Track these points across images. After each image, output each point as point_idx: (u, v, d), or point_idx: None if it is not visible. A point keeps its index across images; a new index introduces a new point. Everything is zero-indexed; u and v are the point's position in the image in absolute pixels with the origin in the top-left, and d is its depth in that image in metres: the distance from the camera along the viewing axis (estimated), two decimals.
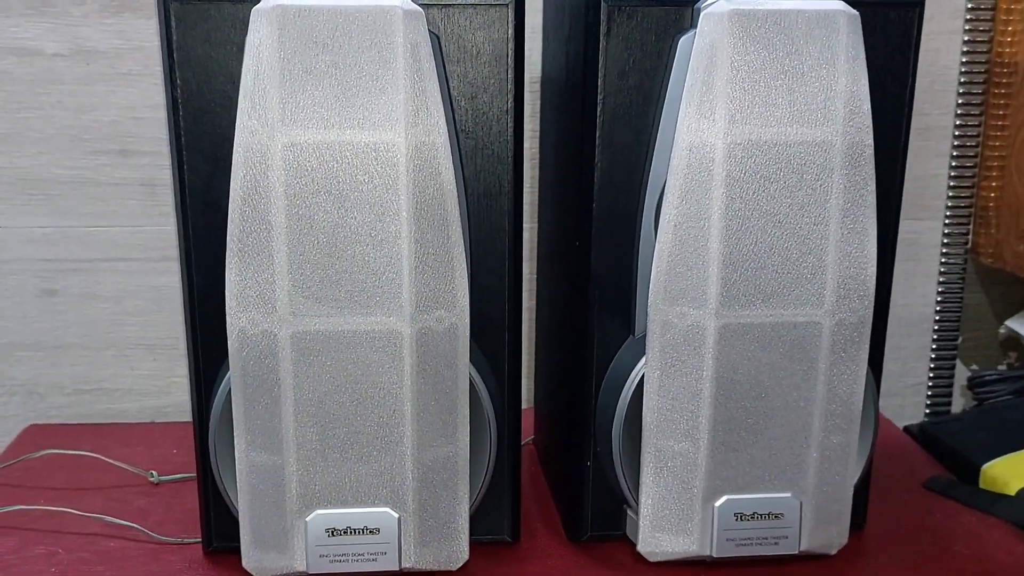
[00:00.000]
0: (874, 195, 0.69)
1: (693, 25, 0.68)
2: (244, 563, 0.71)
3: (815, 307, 0.70)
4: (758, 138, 0.67)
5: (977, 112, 1.07)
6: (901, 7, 0.71)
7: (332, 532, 0.70)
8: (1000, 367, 1.16)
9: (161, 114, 1.00)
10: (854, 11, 0.67)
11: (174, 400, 1.08)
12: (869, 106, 0.68)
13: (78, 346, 1.06)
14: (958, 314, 1.13)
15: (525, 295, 1.03)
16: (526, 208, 1.02)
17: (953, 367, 1.15)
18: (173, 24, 0.67)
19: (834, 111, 0.67)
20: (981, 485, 0.89)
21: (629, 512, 0.78)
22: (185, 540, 0.80)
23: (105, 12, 0.98)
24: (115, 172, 1.02)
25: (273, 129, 0.64)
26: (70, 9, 0.98)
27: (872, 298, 0.71)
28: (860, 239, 0.69)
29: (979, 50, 1.05)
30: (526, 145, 1.00)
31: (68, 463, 0.92)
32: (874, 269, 0.70)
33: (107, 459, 0.91)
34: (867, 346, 0.72)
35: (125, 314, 1.06)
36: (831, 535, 0.75)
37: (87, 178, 1.02)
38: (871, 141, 0.68)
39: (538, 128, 0.98)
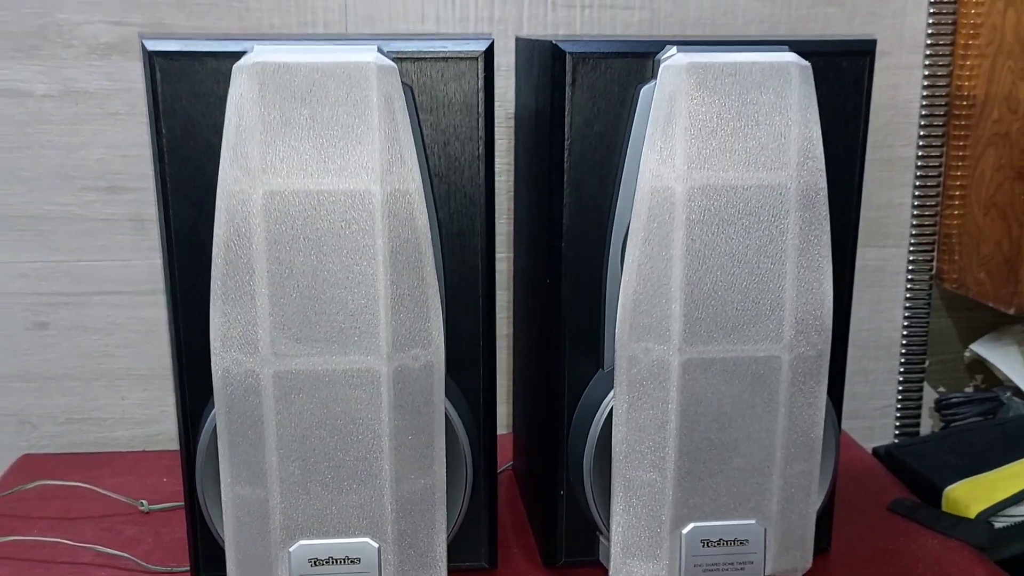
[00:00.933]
0: (828, 234, 0.72)
1: (654, 76, 0.71)
2: None
3: (774, 342, 0.73)
4: (716, 182, 0.70)
5: (939, 143, 1.11)
6: (852, 56, 0.75)
7: (315, 562, 0.73)
8: (967, 389, 1.20)
9: (147, 152, 1.02)
10: (805, 62, 0.70)
11: (164, 428, 1.11)
12: (822, 150, 0.71)
13: (69, 377, 1.09)
14: (924, 338, 1.17)
15: (503, 322, 1.07)
16: (503, 238, 1.06)
17: (921, 390, 1.18)
18: (159, 77, 0.70)
19: (788, 156, 0.70)
20: (944, 508, 0.92)
21: (601, 539, 0.81)
22: (174, 569, 0.82)
23: (93, 55, 1.01)
24: (104, 208, 1.05)
25: (254, 178, 0.67)
26: (59, 52, 1.01)
27: (829, 332, 0.74)
28: (816, 276, 0.73)
29: (939, 84, 1.09)
30: (503, 179, 1.04)
31: (60, 493, 0.95)
32: (831, 305, 0.73)
33: (98, 489, 0.94)
34: (825, 378, 0.75)
35: (115, 345, 1.08)
36: (795, 559, 0.79)
37: (76, 214, 1.05)
38: (824, 183, 0.72)
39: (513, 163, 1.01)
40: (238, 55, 0.68)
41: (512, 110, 1.00)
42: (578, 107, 0.73)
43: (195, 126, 0.71)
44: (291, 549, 0.73)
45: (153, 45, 0.70)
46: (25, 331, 1.07)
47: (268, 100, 0.67)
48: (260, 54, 0.67)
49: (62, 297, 1.07)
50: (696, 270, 0.71)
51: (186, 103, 0.71)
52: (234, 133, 0.67)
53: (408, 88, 0.71)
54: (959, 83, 1.08)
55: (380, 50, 0.69)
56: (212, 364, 0.69)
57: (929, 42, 1.09)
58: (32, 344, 1.07)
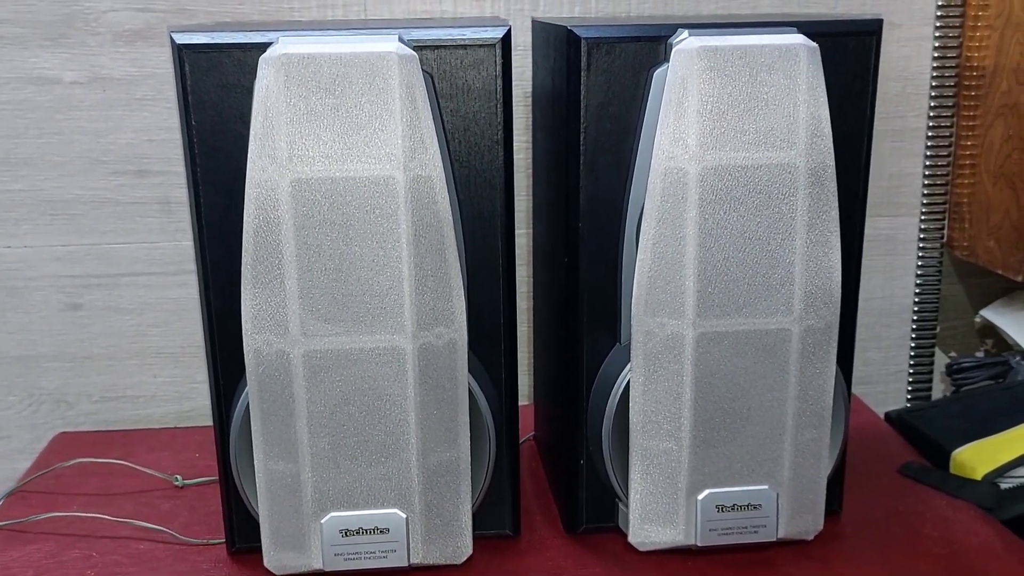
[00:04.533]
0: (836, 210, 0.75)
1: (666, 59, 0.73)
2: (265, 562, 0.78)
3: (785, 315, 0.75)
4: (727, 162, 0.72)
5: (949, 114, 1.12)
6: (858, 36, 0.77)
7: (346, 532, 0.77)
8: (977, 354, 1.22)
9: (173, 136, 1.06)
10: (813, 44, 0.72)
11: (195, 405, 1.14)
12: (830, 129, 0.73)
13: (103, 356, 1.12)
14: (936, 305, 1.19)
15: (524, 296, 1.10)
16: (522, 214, 1.09)
17: (932, 355, 1.20)
18: (187, 70, 0.73)
19: (797, 136, 0.73)
20: (951, 470, 0.95)
21: (620, 505, 0.84)
22: (210, 541, 0.86)
23: (119, 41, 1.04)
24: (133, 192, 1.08)
25: (282, 166, 0.70)
26: (86, 39, 1.04)
27: (838, 305, 0.76)
28: (825, 251, 0.75)
29: (949, 55, 1.11)
30: (522, 156, 1.07)
31: (98, 470, 0.99)
32: (839, 278, 0.76)
33: (134, 465, 0.98)
34: (835, 348, 0.77)
35: (147, 325, 1.12)
36: (807, 522, 0.82)
37: (106, 198, 1.08)
38: (832, 161, 0.74)
39: (531, 141, 1.03)
40: (264, 47, 0.70)
41: (530, 89, 1.02)
42: (593, 91, 0.76)
43: (223, 116, 0.74)
44: (323, 521, 0.76)
45: (182, 38, 0.72)
46: (59, 312, 1.11)
47: (294, 91, 0.69)
48: (285, 46, 0.69)
49: (94, 279, 1.10)
50: (708, 248, 0.74)
51: (214, 94, 0.73)
52: (261, 123, 0.69)
53: (428, 76, 0.73)
54: (969, 55, 1.10)
55: (401, 39, 0.71)
56: (244, 345, 0.73)
57: (940, 14, 1.10)
58: (66, 325, 1.11)
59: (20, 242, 1.08)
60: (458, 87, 0.75)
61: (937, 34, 1.10)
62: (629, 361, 0.78)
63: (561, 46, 0.77)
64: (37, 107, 1.05)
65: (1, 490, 0.99)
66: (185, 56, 0.72)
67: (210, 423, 0.81)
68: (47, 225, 1.08)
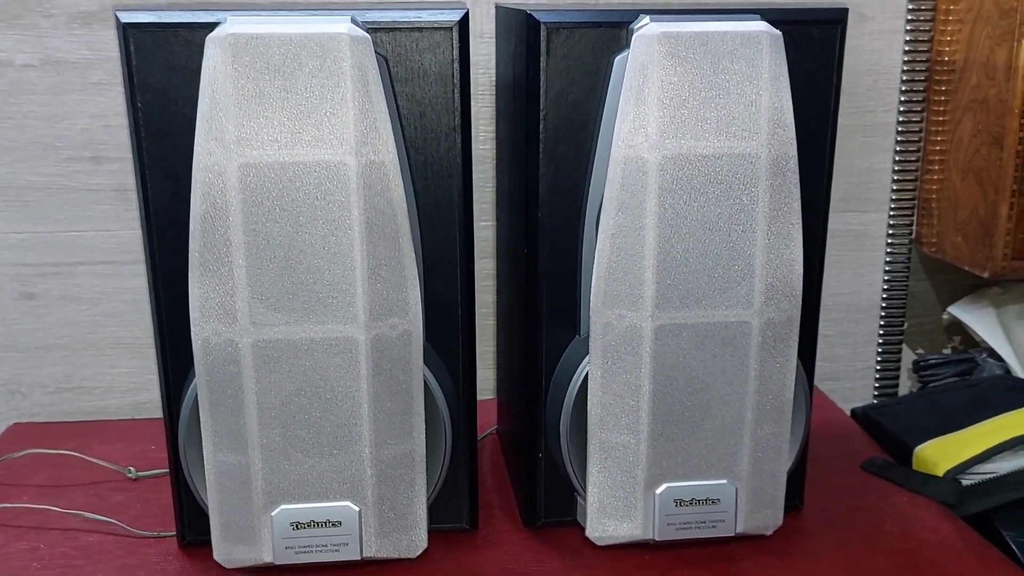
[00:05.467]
0: (799, 202, 0.73)
1: (627, 45, 0.72)
2: (215, 555, 0.76)
3: (745, 308, 0.74)
4: (687, 151, 0.71)
5: (919, 109, 1.12)
6: (823, 25, 0.75)
7: (297, 525, 0.75)
8: (944, 351, 1.22)
9: (128, 120, 1.03)
10: (776, 31, 0.71)
11: (152, 396, 1.12)
12: (792, 119, 0.72)
13: (58, 347, 1.10)
14: (904, 301, 1.18)
15: (488, 288, 1.08)
16: (488, 205, 1.07)
17: (900, 351, 1.20)
18: (132, 50, 0.71)
19: (759, 125, 0.71)
20: (914, 467, 0.94)
21: (579, 499, 0.82)
22: (161, 534, 0.84)
23: (73, 23, 1.02)
24: (88, 179, 1.06)
25: (229, 150, 0.68)
26: (39, 21, 1.01)
27: (799, 298, 0.75)
28: (786, 243, 0.74)
29: (920, 49, 1.10)
30: (487, 145, 1.05)
31: (50, 461, 0.97)
32: (800, 271, 0.75)
33: (87, 456, 0.96)
34: (795, 342, 0.76)
35: (103, 315, 1.10)
36: (766, 517, 0.80)
37: (61, 184, 1.06)
38: (795, 152, 0.72)
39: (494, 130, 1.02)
40: (212, 26, 0.68)
41: (495, 78, 1.00)
42: (553, 77, 0.74)
43: (171, 99, 0.72)
44: (273, 513, 0.75)
45: (127, 17, 0.70)
46: (13, 301, 1.08)
47: (242, 72, 0.67)
48: (233, 25, 0.67)
49: (49, 267, 1.08)
50: (668, 239, 0.72)
51: (161, 76, 0.71)
52: (208, 105, 0.68)
53: (383, 59, 0.72)
54: (939, 48, 1.09)
55: (354, 20, 0.69)
56: (192, 335, 0.71)
57: (911, 7, 1.09)
58: (21, 314, 1.09)
59: None
60: (413, 71, 0.73)
61: (908, 27, 1.09)
62: (588, 353, 0.76)
63: (521, 31, 0.76)
64: None
65: None
66: (130, 36, 0.70)
67: None
68: (0, 211, 1.06)
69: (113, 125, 1.04)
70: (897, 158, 1.14)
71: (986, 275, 1.03)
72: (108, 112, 1.04)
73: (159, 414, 1.09)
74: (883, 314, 1.19)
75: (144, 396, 1.12)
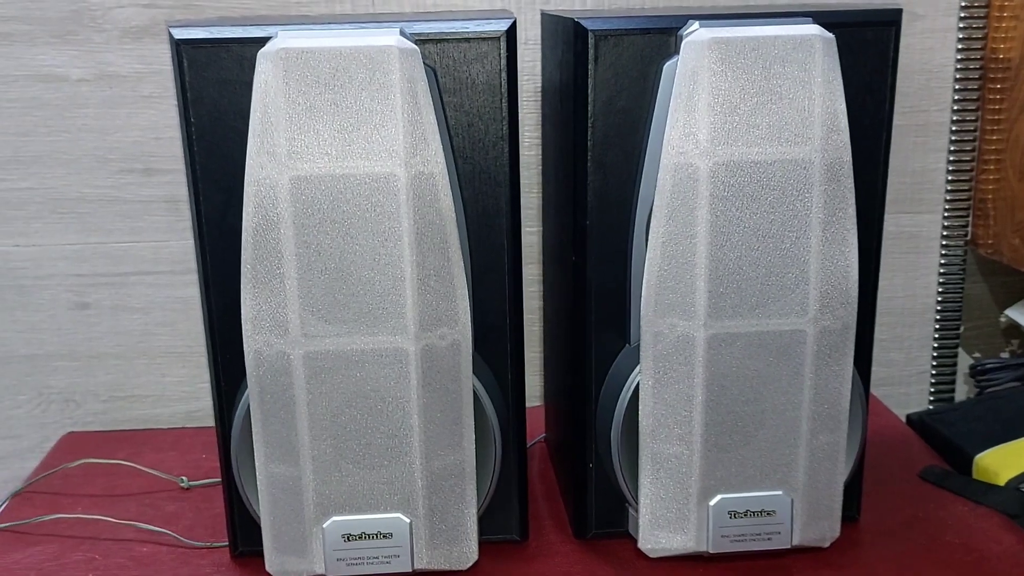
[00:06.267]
0: (853, 207, 0.72)
1: (676, 52, 0.71)
2: (267, 567, 0.76)
3: (799, 316, 0.73)
4: (740, 158, 0.70)
5: (973, 108, 1.09)
6: (877, 27, 0.74)
7: (348, 537, 0.75)
8: (1002, 355, 1.19)
9: (180, 134, 1.04)
10: (829, 35, 0.70)
11: (203, 405, 1.13)
12: (846, 123, 0.71)
13: (111, 355, 1.11)
14: (959, 304, 1.16)
15: (534, 295, 1.08)
16: (533, 211, 1.07)
17: (956, 356, 1.17)
18: (185, 66, 0.71)
19: (812, 130, 0.70)
20: (974, 475, 0.92)
21: (630, 510, 0.82)
22: (213, 544, 0.85)
23: (125, 38, 1.03)
24: (140, 190, 1.07)
25: (281, 164, 0.68)
26: (92, 36, 1.03)
27: (855, 305, 0.74)
28: (841, 249, 0.73)
29: (974, 47, 1.07)
30: (532, 153, 1.05)
31: (103, 470, 0.98)
32: (856, 277, 0.73)
33: (140, 466, 0.97)
34: (851, 350, 0.75)
35: (155, 324, 1.11)
36: (823, 529, 0.79)
37: (114, 196, 1.07)
38: (849, 157, 0.71)
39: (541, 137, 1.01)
40: (263, 41, 0.69)
41: (540, 84, 1.00)
42: (601, 84, 0.74)
43: (222, 113, 0.72)
44: (325, 525, 0.75)
45: (180, 33, 0.71)
46: (68, 311, 1.10)
47: (292, 86, 0.67)
48: (284, 40, 0.68)
49: (102, 278, 1.09)
50: (720, 246, 0.71)
51: (213, 90, 0.72)
52: (260, 120, 0.68)
53: (431, 70, 0.71)
54: (994, 46, 1.07)
55: (402, 32, 0.69)
56: (244, 346, 0.71)
57: (964, 4, 1.07)
58: (75, 324, 1.10)
59: (28, 240, 1.07)
60: (461, 81, 0.73)
61: (961, 25, 1.07)
62: (639, 363, 0.76)
63: (568, 39, 0.75)
64: (45, 105, 1.04)
65: (8, 490, 0.98)
66: (183, 51, 0.71)
67: None
68: (55, 224, 1.07)
69: (164, 138, 1.05)
70: (951, 158, 1.11)
71: None
72: (159, 125, 1.05)
73: (210, 423, 1.11)
74: (938, 317, 1.16)
75: (195, 405, 1.13)
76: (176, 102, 0.73)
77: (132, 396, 1.13)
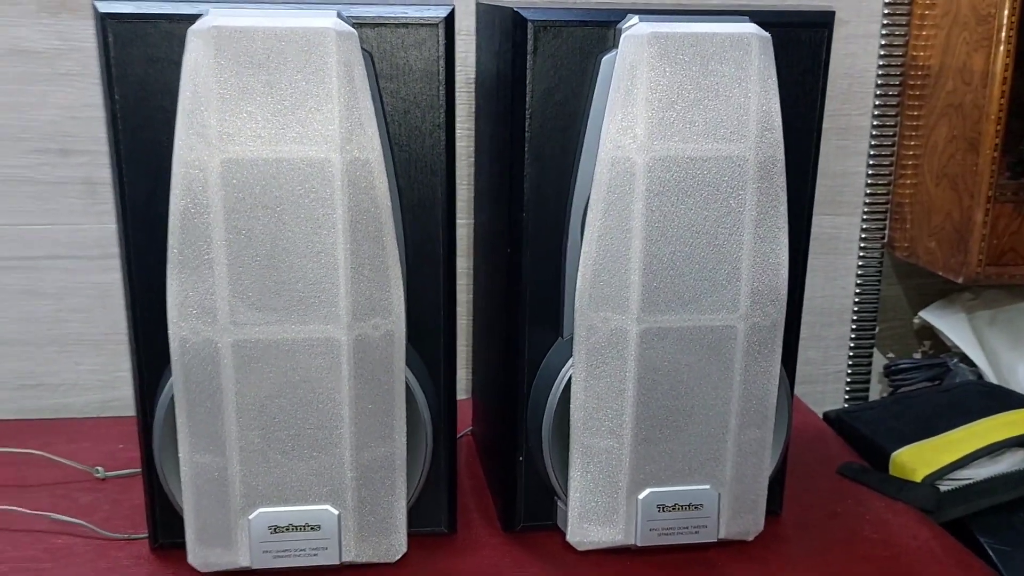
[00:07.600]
0: (785, 206, 0.73)
1: (615, 45, 0.71)
2: (190, 559, 0.74)
3: (731, 312, 0.74)
4: (676, 153, 0.70)
5: (893, 113, 1.12)
6: (811, 27, 0.75)
7: (275, 529, 0.73)
8: (915, 355, 1.22)
9: (99, 113, 1.01)
10: (766, 33, 0.71)
11: (119, 394, 1.10)
12: (780, 122, 0.72)
13: (20, 342, 1.07)
14: (875, 305, 1.19)
15: (463, 289, 1.07)
16: (464, 204, 1.06)
17: (871, 356, 1.20)
18: (111, 41, 0.69)
19: (747, 128, 0.71)
20: (891, 472, 0.95)
21: (559, 503, 0.82)
22: (132, 536, 0.82)
23: (42, 12, 0.99)
24: (55, 171, 1.03)
25: (211, 146, 0.66)
26: (6, 9, 0.98)
27: (784, 302, 0.75)
28: (772, 247, 0.74)
29: (895, 54, 1.10)
30: (463, 144, 1.04)
31: (13, 460, 0.94)
32: (786, 275, 0.74)
33: (52, 456, 0.93)
34: (780, 347, 0.76)
35: (68, 310, 1.07)
36: (748, 523, 0.80)
37: (26, 177, 1.03)
38: (782, 156, 0.72)
39: (473, 129, 1.01)
40: (194, 18, 0.67)
41: (473, 75, 0.99)
42: (539, 76, 0.73)
43: (149, 92, 0.70)
44: (251, 516, 0.73)
45: (105, 7, 0.68)
46: None
47: (224, 66, 0.65)
48: (216, 17, 0.66)
49: (12, 261, 1.05)
50: (655, 241, 0.72)
51: (139, 68, 0.69)
52: (190, 99, 0.66)
53: (368, 55, 0.70)
54: (915, 53, 1.10)
55: (340, 15, 0.68)
56: (169, 334, 0.69)
57: (887, 11, 1.09)
58: None
59: None
60: (399, 67, 0.72)
61: (884, 32, 1.10)
62: (571, 356, 0.76)
63: (506, 28, 0.75)
64: None
65: None
66: (108, 26, 0.68)
67: (135, 414, 0.77)
68: None
69: (82, 117, 1.01)
70: (871, 162, 1.14)
71: (960, 280, 1.04)
72: (76, 103, 1.01)
73: (126, 413, 1.08)
74: (855, 318, 1.19)
75: (111, 394, 1.10)
76: (99, 79, 0.70)
77: (43, 384, 1.09)
